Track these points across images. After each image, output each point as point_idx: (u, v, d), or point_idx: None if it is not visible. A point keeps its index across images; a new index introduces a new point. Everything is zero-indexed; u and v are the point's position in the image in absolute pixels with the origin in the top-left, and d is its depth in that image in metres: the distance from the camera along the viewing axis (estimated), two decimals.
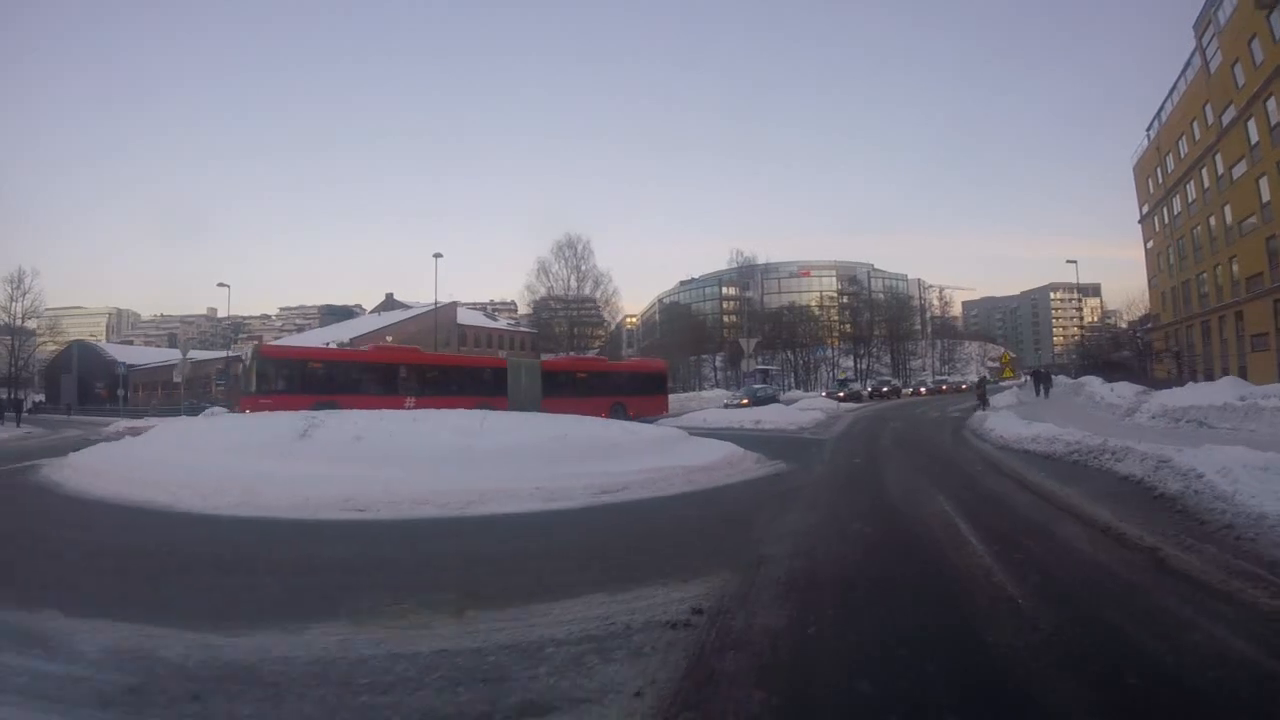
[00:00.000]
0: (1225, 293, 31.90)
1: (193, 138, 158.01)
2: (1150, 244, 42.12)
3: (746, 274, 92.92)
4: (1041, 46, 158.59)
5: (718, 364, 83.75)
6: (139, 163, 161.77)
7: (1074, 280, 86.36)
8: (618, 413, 24.37)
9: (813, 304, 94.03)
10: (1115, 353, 63.63)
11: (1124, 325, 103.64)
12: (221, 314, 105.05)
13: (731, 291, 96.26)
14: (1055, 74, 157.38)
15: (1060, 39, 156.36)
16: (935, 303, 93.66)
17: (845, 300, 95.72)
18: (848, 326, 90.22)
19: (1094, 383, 29.97)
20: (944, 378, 68.10)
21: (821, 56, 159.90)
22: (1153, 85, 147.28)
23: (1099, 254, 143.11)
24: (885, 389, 46.78)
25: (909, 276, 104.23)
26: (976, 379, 34.49)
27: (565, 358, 35.07)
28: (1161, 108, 39.45)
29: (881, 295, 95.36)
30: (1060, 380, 47.40)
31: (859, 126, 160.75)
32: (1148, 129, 41.72)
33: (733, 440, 13.49)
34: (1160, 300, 40.98)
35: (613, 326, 75.15)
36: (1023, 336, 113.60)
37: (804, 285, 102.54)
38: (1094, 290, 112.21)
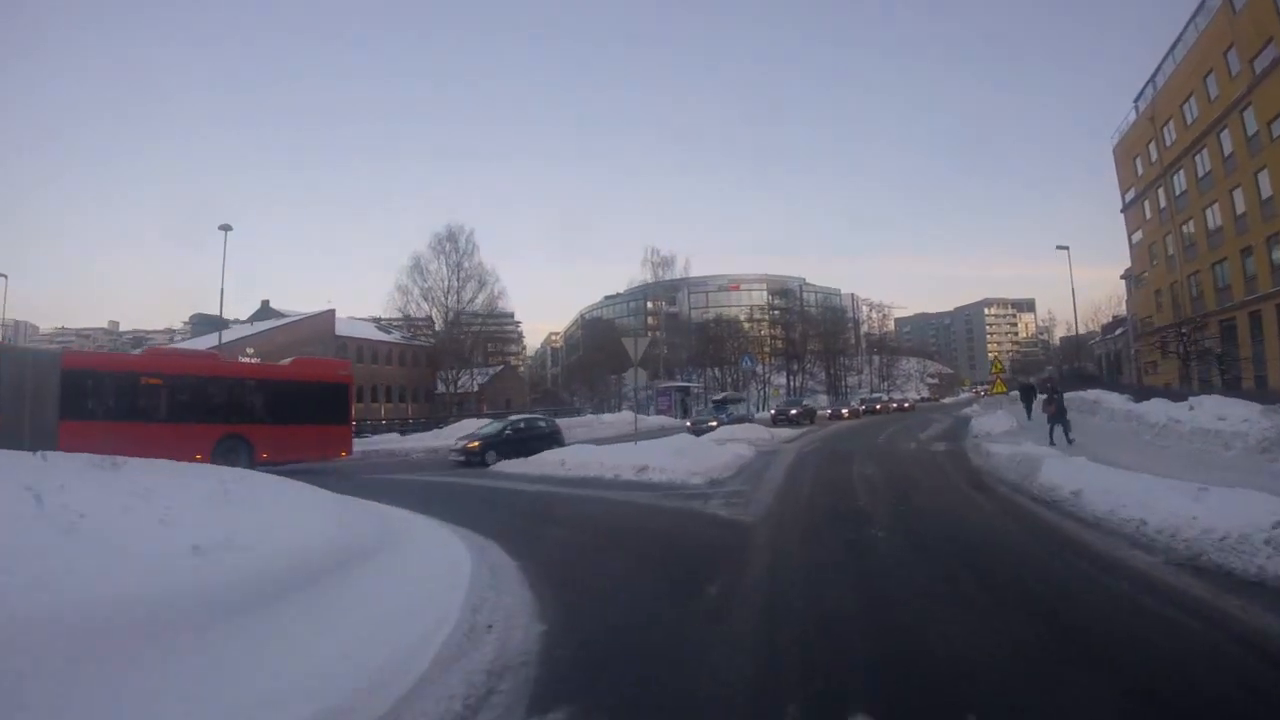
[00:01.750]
0: (1263, 281, 24.52)
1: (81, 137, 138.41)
2: (1138, 235, 35.18)
3: (672, 287, 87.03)
4: (978, 61, 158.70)
5: (640, 383, 74.56)
6: (48, 164, 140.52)
7: (1011, 295, 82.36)
8: (232, 454, 14.37)
9: (742, 317, 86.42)
10: (1073, 364, 58.83)
11: (1056, 341, 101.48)
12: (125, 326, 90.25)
13: (658, 306, 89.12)
14: (986, 88, 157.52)
15: (1003, 49, 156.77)
16: (873, 317, 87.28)
17: (777, 314, 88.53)
18: (779, 342, 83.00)
19: (1113, 398, 21.91)
20: (876, 395, 57.69)
21: (749, 71, 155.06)
22: (1097, 97, 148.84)
23: (1026, 272, 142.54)
24: (829, 410, 37.84)
25: (842, 291, 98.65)
26: (1029, 380, 25.36)
27: (125, 355, 22.93)
28: (1156, 71, 32.60)
29: (815, 310, 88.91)
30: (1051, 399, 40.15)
31: (788, 146, 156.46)
32: (1136, 99, 34.99)
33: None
34: (1153, 299, 33.86)
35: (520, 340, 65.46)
36: (957, 352, 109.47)
37: (734, 300, 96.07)
38: (1029, 305, 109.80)
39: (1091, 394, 24.40)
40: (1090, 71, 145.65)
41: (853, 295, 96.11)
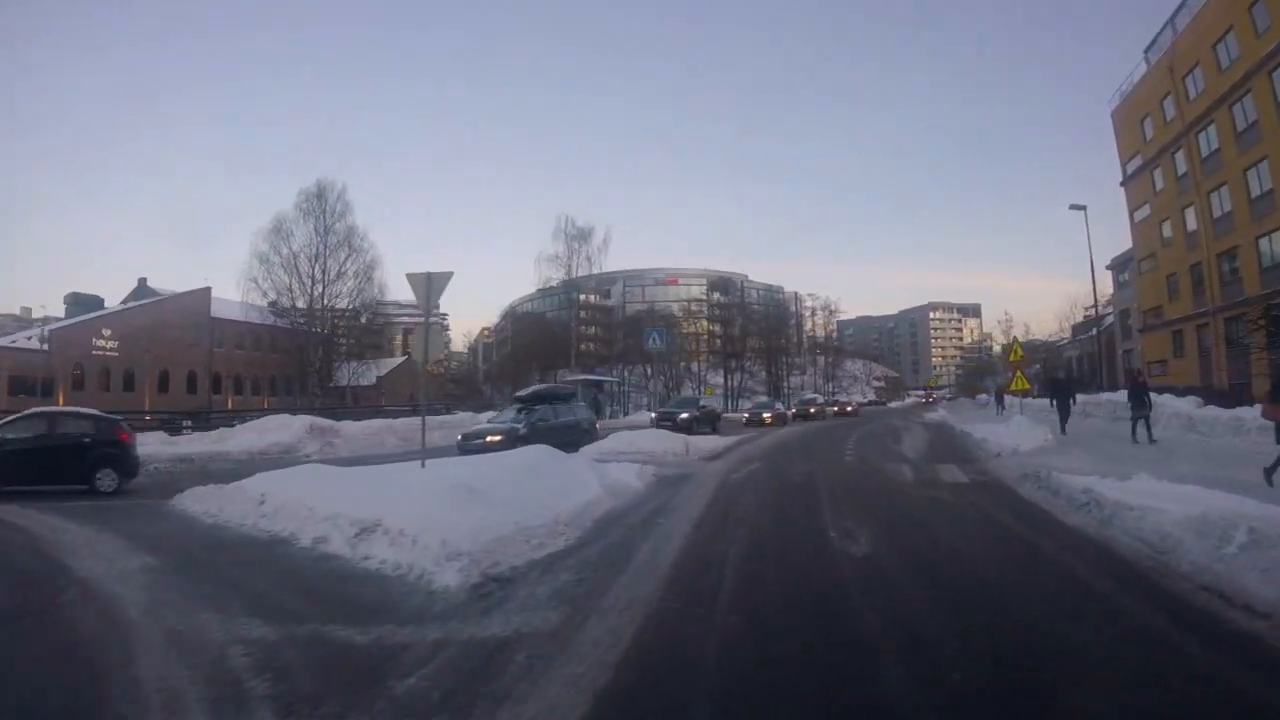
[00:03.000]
0: None
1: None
2: (1143, 211, 29.34)
3: (608, 280, 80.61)
4: (930, 65, 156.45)
5: (569, 378, 66.93)
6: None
7: (955, 300, 77.59)
8: None
9: (677, 310, 79.43)
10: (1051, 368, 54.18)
11: (998, 348, 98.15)
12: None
13: (592, 300, 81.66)
14: (935, 90, 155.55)
15: (961, 51, 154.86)
16: (818, 312, 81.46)
17: (716, 311, 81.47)
18: (717, 340, 76.30)
19: (1178, 403, 15.41)
20: (812, 396, 49.00)
21: (695, 72, 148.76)
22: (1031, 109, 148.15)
23: (969, 282, 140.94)
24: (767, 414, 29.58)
25: (785, 289, 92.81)
26: (1063, 375, 17.48)
27: None
28: (1177, 11, 26.69)
29: (757, 306, 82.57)
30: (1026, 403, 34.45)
31: (733, 149, 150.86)
32: (1147, 49, 29.13)
33: None
34: (1164, 286, 27.92)
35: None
36: (901, 356, 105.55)
37: (672, 294, 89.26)
38: (974, 310, 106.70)
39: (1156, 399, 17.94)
40: (1049, 73, 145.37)
41: (795, 294, 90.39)
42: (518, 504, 6.90)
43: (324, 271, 42.61)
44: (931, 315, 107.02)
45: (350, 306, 44.65)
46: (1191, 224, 25.77)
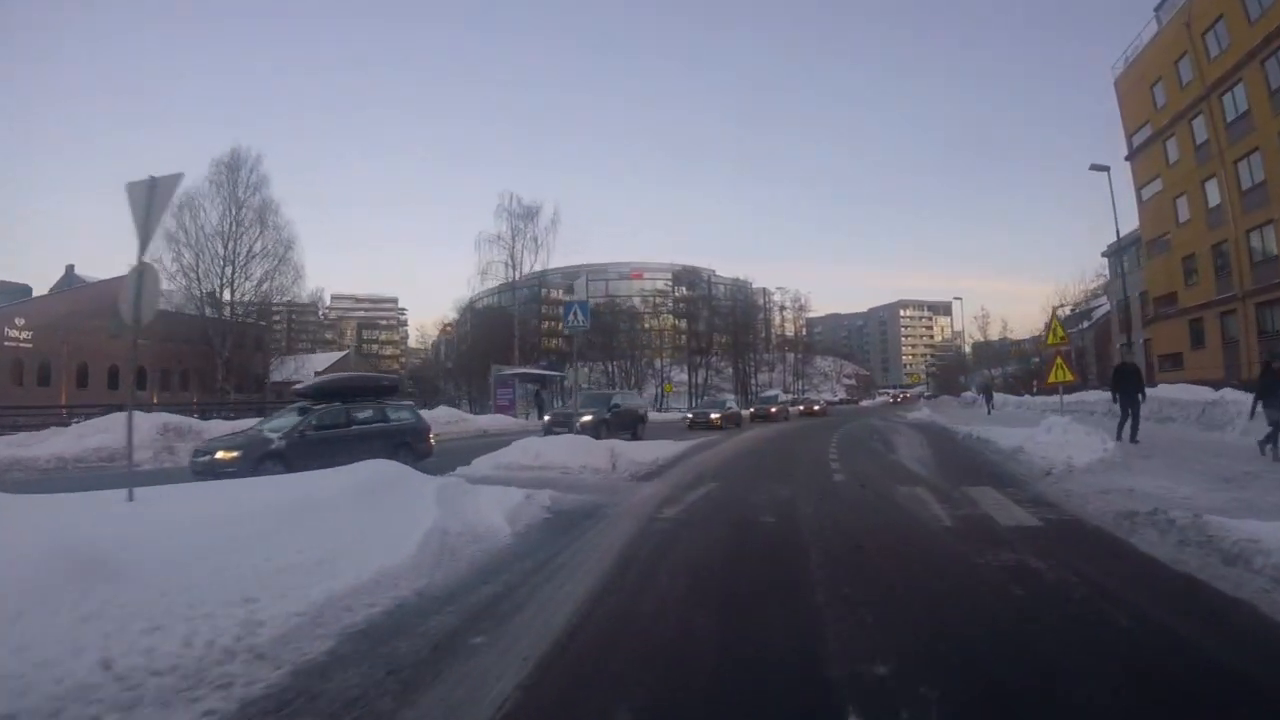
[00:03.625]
0: None
1: None
2: (1153, 187, 26.19)
3: (572, 274, 75.47)
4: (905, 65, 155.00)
5: (506, 372, 62.75)
6: None
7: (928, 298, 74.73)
8: None
9: (640, 304, 75.71)
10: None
11: (967, 348, 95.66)
12: None
13: (557, 296, 78.28)
14: (908, 91, 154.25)
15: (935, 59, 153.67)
16: (787, 306, 78.23)
17: (682, 305, 77.38)
18: (682, 337, 72.53)
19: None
20: (772, 394, 44.29)
21: (670, 68, 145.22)
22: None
23: (938, 285, 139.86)
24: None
25: (754, 284, 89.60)
26: (1134, 362, 13.23)
27: None
28: None
29: (725, 301, 79.06)
30: (1011, 399, 31.33)
31: (702, 147, 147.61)
32: (1157, 9, 25.97)
33: None
34: (1180, 270, 24.76)
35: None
36: (870, 355, 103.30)
37: (637, 289, 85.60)
38: (944, 308, 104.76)
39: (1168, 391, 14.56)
40: (1025, 74, 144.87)
41: (764, 289, 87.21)
42: (188, 590, 2.97)
43: (234, 252, 37.67)
44: (902, 313, 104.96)
45: (264, 292, 39.35)
46: (1214, 198, 22.63)
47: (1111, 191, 28.69)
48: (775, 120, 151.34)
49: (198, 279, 38.11)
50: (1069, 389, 17.54)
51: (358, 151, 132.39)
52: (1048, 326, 16.67)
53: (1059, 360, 12.58)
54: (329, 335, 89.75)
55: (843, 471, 10.00)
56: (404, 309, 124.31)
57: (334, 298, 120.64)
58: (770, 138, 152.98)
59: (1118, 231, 19.87)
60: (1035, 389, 32.97)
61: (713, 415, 24.10)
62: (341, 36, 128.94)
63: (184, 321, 39.87)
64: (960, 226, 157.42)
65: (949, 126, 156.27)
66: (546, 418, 16.18)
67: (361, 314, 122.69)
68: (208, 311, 38.45)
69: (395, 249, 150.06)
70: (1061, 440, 10.31)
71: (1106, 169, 19.29)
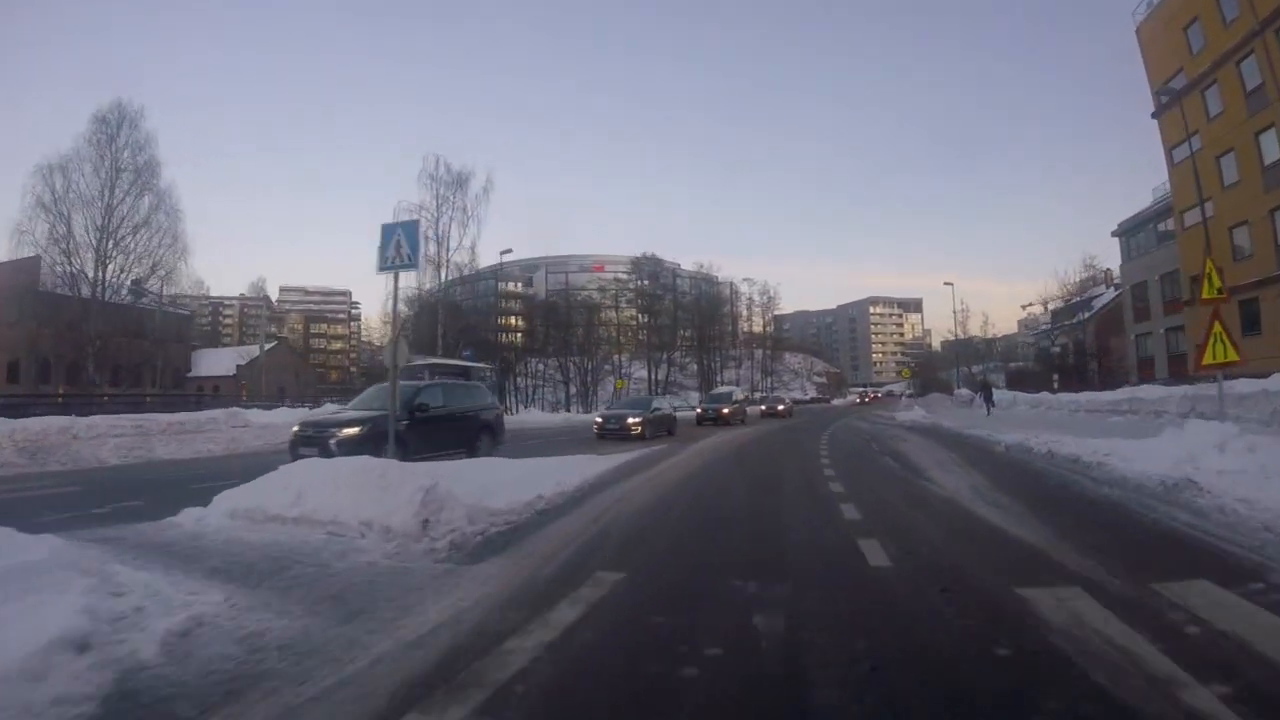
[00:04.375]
0: None
1: None
2: (1188, 148, 22.08)
3: (530, 267, 76.27)
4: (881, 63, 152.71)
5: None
6: None
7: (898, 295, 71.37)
8: None
9: (599, 297, 70.74)
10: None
11: (937, 347, 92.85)
12: None
13: (514, 288, 73.80)
14: (878, 88, 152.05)
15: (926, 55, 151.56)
16: (755, 298, 74.14)
17: (641, 301, 71.84)
18: (644, 333, 67.70)
19: None
20: (726, 390, 36.93)
21: (641, 61, 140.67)
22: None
23: (908, 283, 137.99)
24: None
25: (720, 278, 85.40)
26: None
27: None
28: None
29: (689, 294, 74.45)
30: (1021, 396, 27.45)
31: (669, 140, 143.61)
32: None
33: None
34: (1228, 241, 20.66)
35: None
36: (840, 352, 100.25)
37: (598, 281, 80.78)
38: (915, 305, 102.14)
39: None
40: (1006, 70, 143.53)
41: (731, 283, 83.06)
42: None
43: (110, 221, 31.76)
44: (872, 310, 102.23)
45: (146, 269, 33.49)
46: (1271, 153, 18.63)
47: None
48: (744, 116, 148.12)
49: (67, 255, 32.23)
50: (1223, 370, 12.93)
51: (323, 141, 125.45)
52: (1197, 280, 10.89)
53: (1217, 328, 7.38)
54: (273, 328, 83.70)
55: (873, 532, 5.10)
56: (358, 302, 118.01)
57: (282, 289, 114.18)
58: (740, 134, 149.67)
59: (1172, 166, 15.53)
60: (1056, 385, 28.99)
61: (630, 421, 17.80)
62: (337, 31, 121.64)
63: (49, 300, 33.56)
64: (934, 223, 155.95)
65: (926, 122, 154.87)
66: (295, 428, 10.11)
67: (311, 306, 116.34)
68: (84, 292, 32.53)
69: (352, 241, 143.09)
70: (1223, 456, 5.81)
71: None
